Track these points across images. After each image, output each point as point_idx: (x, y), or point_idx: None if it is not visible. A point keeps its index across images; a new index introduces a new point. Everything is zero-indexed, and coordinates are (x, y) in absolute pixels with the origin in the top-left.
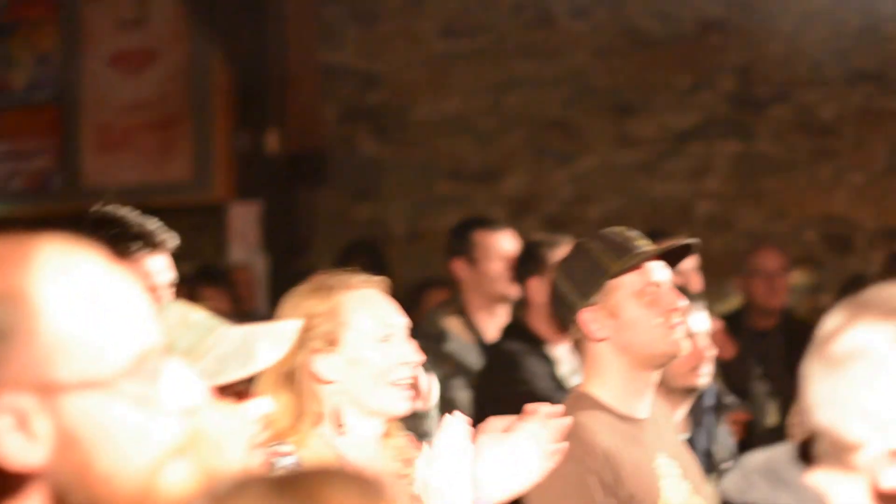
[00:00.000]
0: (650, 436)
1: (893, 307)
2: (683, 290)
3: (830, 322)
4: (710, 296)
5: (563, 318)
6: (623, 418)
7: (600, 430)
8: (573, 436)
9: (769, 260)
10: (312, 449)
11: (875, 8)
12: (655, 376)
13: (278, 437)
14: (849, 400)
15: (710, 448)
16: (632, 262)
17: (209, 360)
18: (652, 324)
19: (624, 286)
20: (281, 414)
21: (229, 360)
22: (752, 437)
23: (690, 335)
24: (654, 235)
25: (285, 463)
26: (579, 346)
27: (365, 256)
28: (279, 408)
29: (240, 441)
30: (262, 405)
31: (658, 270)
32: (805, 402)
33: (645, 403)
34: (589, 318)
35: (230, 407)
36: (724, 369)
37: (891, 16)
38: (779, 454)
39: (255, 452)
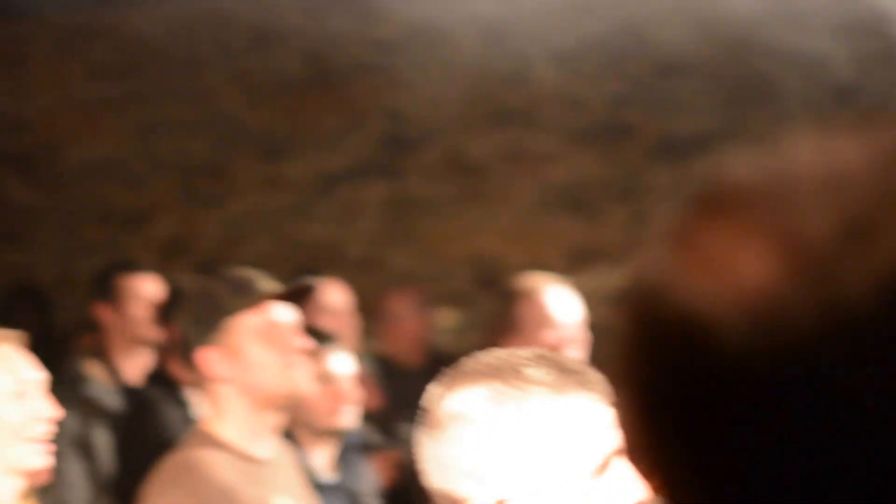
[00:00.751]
0: (271, 476)
1: (481, 372)
2: (318, 331)
3: (433, 390)
4: (361, 337)
5: (187, 359)
6: (243, 457)
7: (217, 469)
8: (188, 472)
9: (410, 300)
10: None
11: (523, 51)
12: (279, 417)
13: None
14: (453, 460)
15: (355, 488)
16: (251, 301)
17: None
18: (271, 364)
19: (244, 326)
20: None
21: None
22: (402, 477)
23: (331, 377)
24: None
25: None
26: (203, 385)
27: (28, 303)
28: None
29: None
30: None
31: (280, 311)
32: (419, 465)
33: (267, 444)
34: (209, 358)
35: None
36: (372, 411)
37: (538, 58)
38: None
39: None
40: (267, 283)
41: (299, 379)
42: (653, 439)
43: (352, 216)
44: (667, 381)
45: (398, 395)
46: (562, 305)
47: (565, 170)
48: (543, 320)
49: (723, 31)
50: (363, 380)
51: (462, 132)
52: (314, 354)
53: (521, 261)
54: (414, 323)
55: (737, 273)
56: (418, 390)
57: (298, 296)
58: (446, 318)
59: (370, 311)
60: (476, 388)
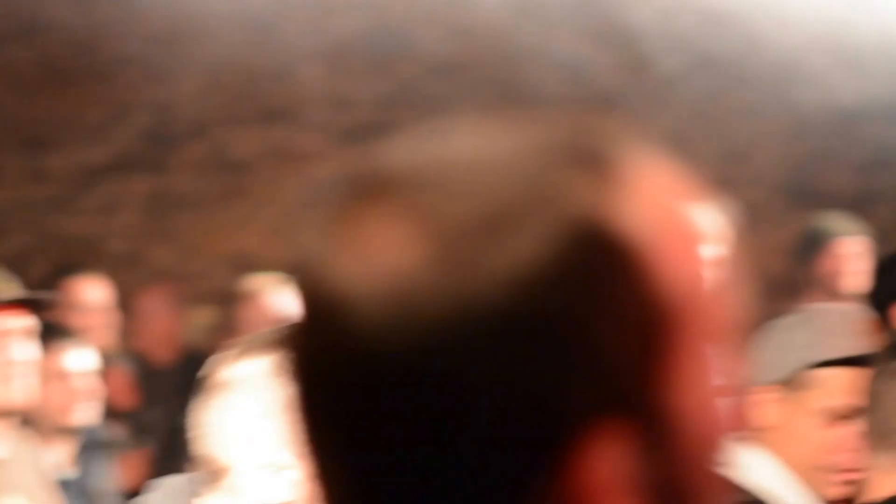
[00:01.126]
0: (4, 476)
1: (264, 344)
2: (57, 327)
3: (218, 359)
4: (118, 334)
5: None
6: None
7: None
8: None
9: (163, 297)
10: None
11: (290, 49)
12: (12, 419)
13: None
14: (222, 425)
15: (94, 485)
16: None
17: None
18: None
19: None
20: None
21: None
22: (153, 474)
23: (66, 374)
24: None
25: None
26: None
27: None
28: None
29: None
30: None
31: (6, 319)
32: (194, 433)
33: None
34: None
35: None
36: (123, 408)
37: (305, 56)
38: (194, 479)
39: None
40: (2, 286)
41: (15, 391)
42: (305, 425)
43: (113, 211)
44: (313, 363)
45: (150, 392)
46: (284, 307)
47: (330, 169)
48: (262, 322)
49: (484, 35)
50: (115, 376)
51: (227, 129)
52: (51, 351)
53: (282, 259)
54: (166, 320)
55: (380, 255)
56: (169, 388)
57: (35, 304)
58: (204, 317)
59: (129, 307)
60: (255, 359)
